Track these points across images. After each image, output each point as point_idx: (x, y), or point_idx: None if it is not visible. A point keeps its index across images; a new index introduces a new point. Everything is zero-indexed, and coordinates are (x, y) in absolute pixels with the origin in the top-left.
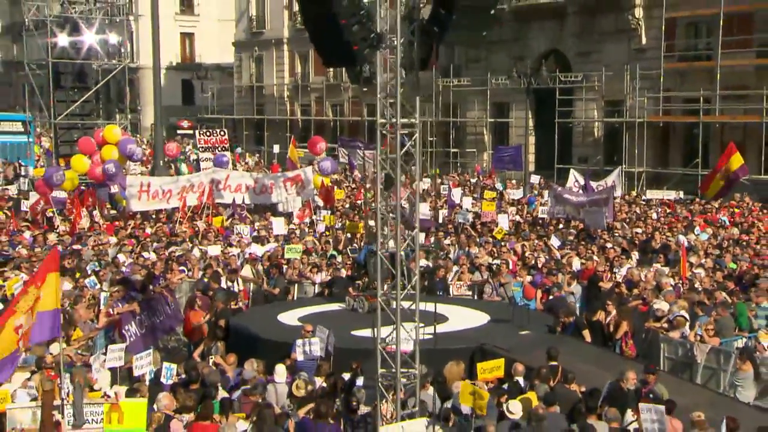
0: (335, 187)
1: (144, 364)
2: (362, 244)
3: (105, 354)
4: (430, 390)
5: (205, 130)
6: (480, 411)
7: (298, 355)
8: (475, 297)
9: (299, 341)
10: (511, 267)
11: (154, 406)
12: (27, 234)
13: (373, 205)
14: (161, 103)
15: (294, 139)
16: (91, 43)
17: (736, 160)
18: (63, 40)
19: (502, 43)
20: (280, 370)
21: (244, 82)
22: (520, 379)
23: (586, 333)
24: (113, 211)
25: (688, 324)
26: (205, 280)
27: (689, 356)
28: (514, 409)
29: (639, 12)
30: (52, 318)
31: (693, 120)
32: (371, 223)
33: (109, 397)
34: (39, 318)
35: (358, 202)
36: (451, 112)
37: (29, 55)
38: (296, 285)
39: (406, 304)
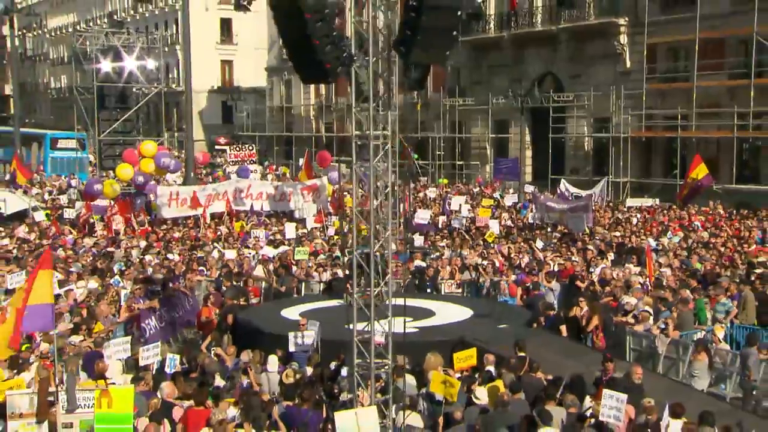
0: (347, 195)
1: (150, 355)
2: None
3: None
4: (408, 378)
5: (235, 146)
6: (450, 398)
7: (291, 347)
8: (467, 294)
9: (292, 334)
10: (498, 267)
11: (157, 393)
12: (69, 238)
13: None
14: (202, 122)
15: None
16: (132, 69)
17: (702, 170)
18: (106, 66)
19: (502, 67)
20: (272, 360)
21: (275, 103)
22: (491, 368)
23: (563, 328)
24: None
25: (651, 318)
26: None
27: (652, 347)
28: (481, 395)
29: (623, 38)
30: (45, 311)
31: (672, 135)
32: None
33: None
34: (30, 311)
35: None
36: (457, 129)
37: (81, 81)
38: (304, 283)
39: (398, 301)
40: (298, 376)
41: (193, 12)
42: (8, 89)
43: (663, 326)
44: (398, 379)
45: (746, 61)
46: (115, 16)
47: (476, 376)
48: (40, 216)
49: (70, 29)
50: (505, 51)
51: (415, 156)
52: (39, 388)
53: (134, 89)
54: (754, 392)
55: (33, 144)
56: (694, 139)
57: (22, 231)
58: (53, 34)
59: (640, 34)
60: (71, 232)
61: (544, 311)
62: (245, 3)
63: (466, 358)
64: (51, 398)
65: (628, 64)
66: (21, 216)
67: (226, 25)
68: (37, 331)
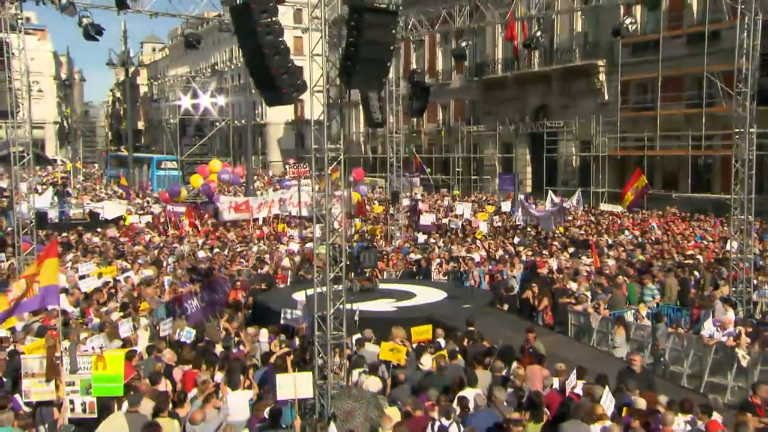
0: (375, 203)
1: (166, 328)
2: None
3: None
4: (369, 347)
5: (293, 164)
6: (398, 362)
7: (282, 321)
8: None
9: (284, 310)
10: (478, 259)
11: (161, 357)
12: (147, 236)
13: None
14: (280, 147)
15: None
16: (206, 105)
17: (642, 182)
18: (186, 102)
19: (508, 100)
20: (263, 333)
21: (335, 131)
22: (441, 341)
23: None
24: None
25: (589, 300)
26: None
27: (587, 324)
28: (425, 361)
29: (602, 77)
30: (52, 291)
31: (641, 154)
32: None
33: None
34: (41, 291)
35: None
36: (472, 150)
37: (167, 114)
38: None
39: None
40: (284, 345)
41: None
42: (140, 125)
43: (597, 306)
44: (361, 348)
45: (699, 93)
46: (216, 67)
47: (428, 346)
48: (134, 219)
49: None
50: (510, 88)
51: (428, 170)
52: (47, 353)
53: (209, 120)
54: (662, 359)
55: (144, 165)
56: (658, 157)
57: (111, 231)
58: (171, 81)
59: (615, 73)
60: (149, 232)
61: (504, 291)
62: (194, 42)
63: (422, 332)
64: (57, 361)
65: (606, 97)
66: (117, 220)
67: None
68: (50, 307)
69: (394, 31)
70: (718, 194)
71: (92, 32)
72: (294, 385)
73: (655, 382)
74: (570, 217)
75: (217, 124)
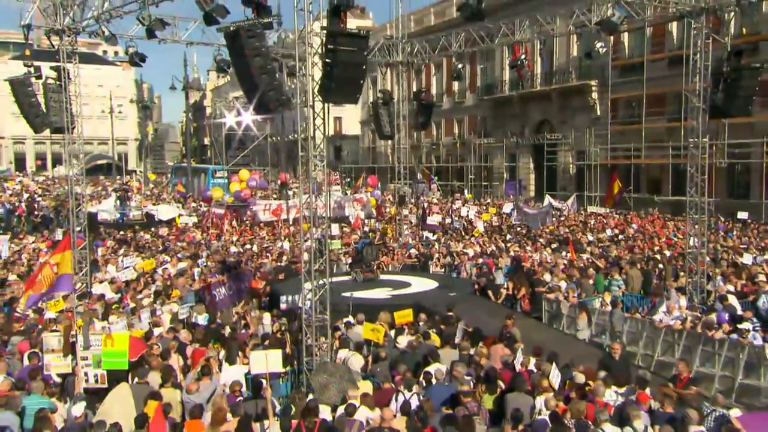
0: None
1: (185, 312)
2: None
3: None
4: (358, 329)
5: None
6: (378, 341)
7: (282, 305)
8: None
9: (282, 297)
10: (472, 254)
11: (178, 336)
12: (192, 235)
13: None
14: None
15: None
16: (248, 122)
17: (617, 186)
18: (230, 120)
19: (513, 116)
20: (267, 316)
21: (365, 144)
22: (422, 324)
23: (490, 293)
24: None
25: (561, 289)
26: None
27: (558, 310)
28: (401, 341)
29: (594, 95)
30: (68, 278)
31: (628, 162)
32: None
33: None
34: (59, 278)
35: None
36: (483, 159)
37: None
38: (335, 264)
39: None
40: (283, 328)
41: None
42: (207, 140)
43: (566, 294)
44: (350, 330)
45: (679, 108)
46: None
47: (408, 328)
48: (183, 219)
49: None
50: (515, 105)
51: (436, 177)
52: (64, 332)
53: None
54: (617, 340)
55: (202, 174)
56: (643, 164)
57: (162, 230)
58: (232, 102)
59: (606, 92)
60: (194, 231)
61: (479, 280)
62: (225, 67)
63: (404, 316)
64: (73, 339)
65: (598, 113)
66: (171, 221)
67: None
68: (66, 292)
69: (365, 53)
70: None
71: (137, 59)
72: (266, 361)
73: (630, 366)
74: (563, 218)
75: (258, 138)
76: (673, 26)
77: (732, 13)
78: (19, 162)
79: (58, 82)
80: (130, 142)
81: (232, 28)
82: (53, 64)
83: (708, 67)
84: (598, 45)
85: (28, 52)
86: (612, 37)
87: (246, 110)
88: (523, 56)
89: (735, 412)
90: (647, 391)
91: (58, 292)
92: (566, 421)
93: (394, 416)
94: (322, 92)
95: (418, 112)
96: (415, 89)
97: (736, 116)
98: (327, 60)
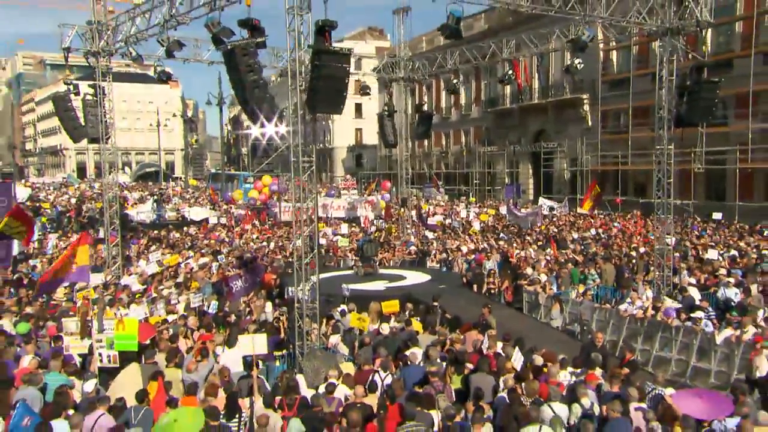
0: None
1: (196, 300)
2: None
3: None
4: (348, 317)
5: (344, 177)
6: (363, 329)
7: (286, 296)
8: (445, 268)
9: (287, 288)
10: (466, 251)
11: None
12: (217, 233)
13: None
14: (344, 165)
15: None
16: (271, 133)
17: (596, 190)
18: (255, 131)
19: (514, 126)
20: (268, 305)
21: (383, 153)
22: (407, 313)
23: (475, 286)
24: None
25: (541, 281)
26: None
27: (537, 301)
28: (383, 329)
29: (586, 107)
30: (84, 269)
31: (616, 168)
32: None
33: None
34: (78, 269)
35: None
36: (486, 166)
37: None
38: (342, 260)
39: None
40: (284, 317)
41: None
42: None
43: (543, 286)
44: (343, 318)
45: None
46: None
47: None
48: (212, 220)
49: None
50: (516, 116)
51: (441, 182)
52: (81, 317)
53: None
54: (585, 328)
55: (235, 180)
56: (630, 170)
57: (192, 230)
58: None
59: (596, 105)
60: (220, 230)
61: (465, 274)
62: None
63: (391, 305)
64: (89, 323)
65: (590, 123)
66: (202, 221)
67: (358, 107)
68: (82, 282)
69: (347, 68)
70: (676, 199)
71: (164, 77)
72: (252, 344)
73: (608, 353)
74: (555, 218)
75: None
76: (656, 45)
77: (705, 32)
78: (81, 171)
79: (94, 98)
80: (176, 152)
81: (228, 47)
82: (90, 82)
83: (673, 81)
84: (576, 61)
85: (68, 72)
86: (601, 54)
87: (269, 121)
88: (510, 71)
89: (669, 390)
90: (597, 371)
91: (75, 281)
92: (522, 399)
93: (365, 394)
94: (308, 103)
95: (419, 123)
96: (426, 103)
97: (697, 125)
98: (313, 74)
